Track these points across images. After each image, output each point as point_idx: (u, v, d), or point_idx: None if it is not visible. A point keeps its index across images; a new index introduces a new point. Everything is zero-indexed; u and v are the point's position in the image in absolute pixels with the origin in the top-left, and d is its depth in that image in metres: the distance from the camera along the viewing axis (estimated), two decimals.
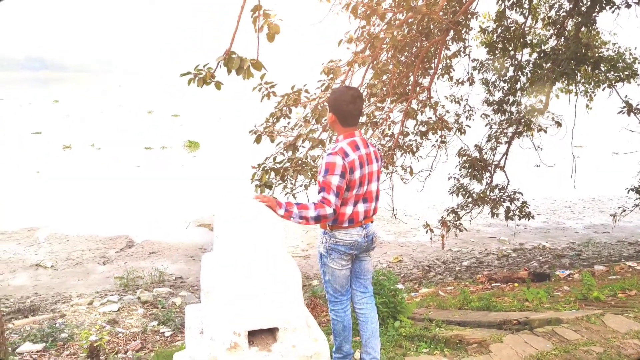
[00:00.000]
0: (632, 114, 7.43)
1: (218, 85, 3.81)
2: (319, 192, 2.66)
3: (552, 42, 8.28)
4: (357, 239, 2.81)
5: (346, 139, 2.75)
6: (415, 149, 6.98)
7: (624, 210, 9.03)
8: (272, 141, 5.17)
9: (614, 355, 3.29)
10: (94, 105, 42.32)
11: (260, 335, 2.26)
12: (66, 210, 13.28)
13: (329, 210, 2.60)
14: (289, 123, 5.34)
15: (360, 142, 2.79)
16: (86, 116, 35.95)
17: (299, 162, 5.01)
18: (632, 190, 8.87)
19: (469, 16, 6.54)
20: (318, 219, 2.62)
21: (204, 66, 3.71)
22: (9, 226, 11.92)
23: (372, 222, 2.90)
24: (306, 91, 5.13)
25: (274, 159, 5.16)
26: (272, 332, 2.28)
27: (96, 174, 18.05)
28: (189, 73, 3.68)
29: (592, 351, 3.34)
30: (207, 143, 25.31)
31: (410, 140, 6.97)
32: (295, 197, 5.39)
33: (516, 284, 7.10)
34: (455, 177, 8.49)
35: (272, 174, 5.04)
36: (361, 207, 2.79)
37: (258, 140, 5.02)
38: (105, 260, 10.04)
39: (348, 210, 2.75)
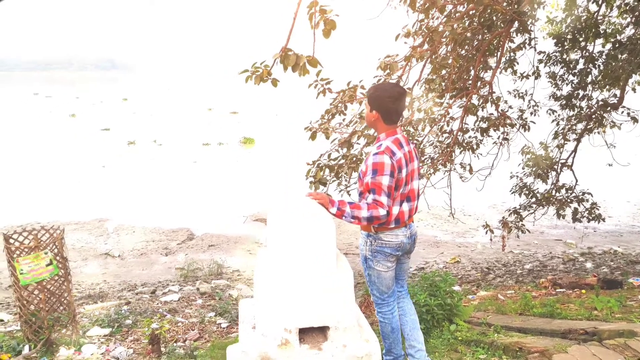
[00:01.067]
0: None
1: (274, 83, 3.84)
2: (369, 194, 2.60)
3: (629, 31, 7.67)
4: (403, 239, 2.77)
5: (389, 137, 2.69)
6: (475, 146, 6.73)
7: None
8: (327, 138, 5.16)
9: None
10: (159, 103, 44.29)
11: (311, 333, 2.26)
12: (132, 203, 14.02)
13: (382, 212, 2.55)
14: (344, 120, 5.30)
15: (402, 139, 2.74)
16: (151, 113, 37.73)
17: (354, 159, 4.96)
18: None
19: (536, 6, 6.19)
20: (370, 220, 2.58)
21: (261, 64, 3.75)
22: (82, 217, 12.73)
23: (413, 221, 2.88)
24: (362, 87, 5.07)
25: (329, 155, 5.15)
26: (323, 330, 2.27)
27: (156, 169, 18.94)
28: (246, 71, 3.75)
29: None
30: (263, 139, 25.82)
31: (470, 137, 6.72)
32: (349, 195, 5.36)
33: (583, 291, 6.67)
34: (517, 176, 8.10)
35: (327, 170, 5.03)
36: (406, 206, 2.75)
37: (313, 137, 5.03)
38: (167, 252, 10.48)
39: (395, 210, 2.70)
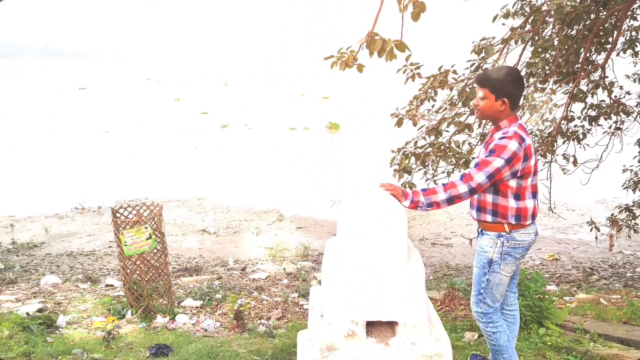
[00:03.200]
0: None
1: (360, 68, 3.78)
2: (472, 167, 2.49)
3: None
4: (533, 237, 2.58)
5: (513, 124, 2.50)
6: (581, 136, 6.14)
7: None
8: (415, 125, 5.00)
9: None
10: (256, 88, 46.05)
11: (379, 327, 2.23)
12: (226, 184, 14.83)
13: (462, 189, 2.38)
14: (433, 106, 5.10)
15: (524, 126, 2.58)
16: (247, 98, 39.41)
17: (442, 147, 4.76)
18: None
19: None
20: (450, 201, 2.43)
21: (347, 49, 3.70)
22: (184, 195, 13.72)
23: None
24: (454, 72, 4.82)
25: (415, 143, 4.99)
26: (391, 325, 2.23)
27: (246, 152, 19.81)
28: (332, 57, 3.72)
29: None
30: (349, 125, 25.84)
31: (575, 126, 6.14)
32: (436, 184, 5.17)
33: None
34: (632, 170, 7.27)
35: (412, 158, 4.88)
36: (537, 199, 2.57)
37: (399, 123, 4.90)
38: (258, 231, 10.96)
39: (529, 204, 2.50)
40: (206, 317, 5.18)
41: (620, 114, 5.77)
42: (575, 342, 3.73)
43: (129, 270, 4.88)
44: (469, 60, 4.82)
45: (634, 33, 6.26)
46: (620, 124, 6.03)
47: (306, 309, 5.95)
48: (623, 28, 5.56)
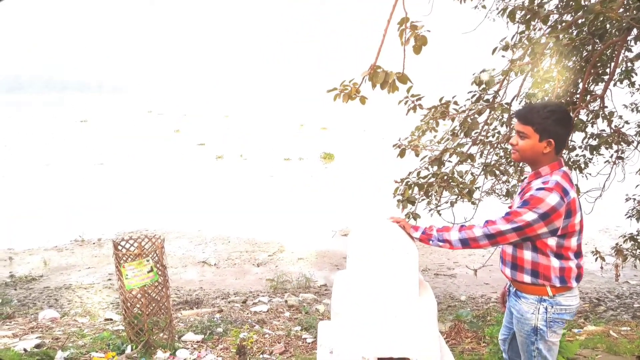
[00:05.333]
0: None
1: (363, 100, 3.82)
2: (501, 217, 2.19)
3: None
4: (579, 300, 2.29)
5: (556, 171, 2.15)
6: (583, 165, 6.16)
7: None
8: (417, 155, 5.02)
9: None
10: (255, 120, 46.54)
11: None
12: (226, 214, 14.78)
13: (478, 232, 2.14)
14: (435, 137, 5.13)
15: (569, 174, 2.22)
16: (246, 129, 39.79)
17: (445, 177, 4.76)
18: None
19: None
20: (465, 243, 2.18)
21: (349, 82, 3.76)
22: (182, 226, 13.65)
23: None
24: (455, 103, 4.88)
25: (418, 173, 5.00)
26: None
27: (238, 182, 19.89)
28: (335, 89, 3.77)
29: None
30: (344, 155, 26.06)
31: (577, 155, 6.17)
32: (440, 214, 5.15)
33: None
34: (635, 199, 7.26)
35: (416, 189, 4.88)
36: (582, 259, 2.23)
37: (402, 154, 4.91)
38: (259, 263, 10.84)
39: (573, 265, 2.17)
40: (207, 352, 5.06)
41: (621, 143, 5.81)
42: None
43: (129, 304, 4.79)
44: (470, 92, 4.88)
45: (629, 64, 6.37)
46: (621, 153, 6.06)
47: (309, 343, 5.82)
48: (619, 59, 5.66)
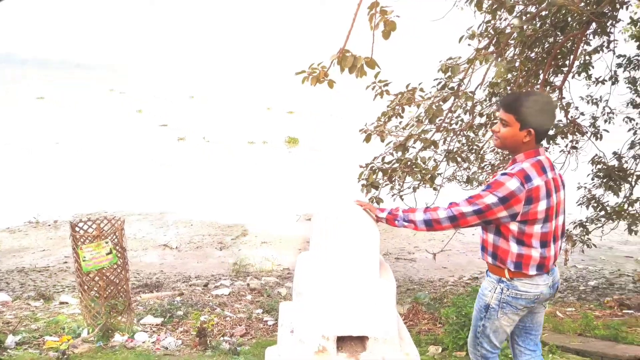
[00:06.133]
0: None
1: (331, 84, 3.80)
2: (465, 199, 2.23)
3: None
4: (543, 289, 2.24)
5: (529, 159, 2.17)
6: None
7: None
8: (382, 141, 5.05)
9: None
10: (223, 100, 45.73)
11: (350, 342, 2.22)
12: (189, 197, 14.55)
13: (441, 214, 2.18)
14: (400, 122, 5.18)
15: (547, 162, 2.22)
16: (210, 110, 39.07)
17: (409, 163, 4.82)
18: None
19: (617, 6, 5.75)
20: (429, 224, 2.21)
21: (318, 65, 3.72)
22: (146, 208, 13.35)
23: (556, 265, 2.35)
24: (421, 90, 4.92)
25: (383, 159, 5.04)
26: (361, 340, 2.23)
27: (200, 165, 19.59)
28: (303, 72, 3.73)
29: None
30: (309, 139, 26.04)
31: None
32: (402, 199, 5.23)
33: None
34: (586, 187, 7.59)
35: (380, 174, 4.92)
36: (552, 248, 2.22)
37: (368, 139, 4.94)
38: (222, 246, 10.76)
39: (535, 253, 2.18)
40: (167, 335, 5.00)
41: (576, 133, 6.03)
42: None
43: (86, 287, 4.66)
44: (436, 79, 4.93)
45: (587, 57, 6.60)
46: (575, 143, 6.30)
47: (270, 325, 5.84)
48: (578, 52, 5.84)
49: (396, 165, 4.92)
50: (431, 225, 2.21)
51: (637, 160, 7.32)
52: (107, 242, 4.61)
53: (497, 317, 2.27)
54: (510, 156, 2.40)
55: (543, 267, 2.19)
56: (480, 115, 5.63)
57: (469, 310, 4.16)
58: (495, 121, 5.88)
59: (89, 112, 34.99)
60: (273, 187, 16.07)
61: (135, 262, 9.24)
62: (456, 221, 2.17)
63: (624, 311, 6.67)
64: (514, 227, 2.16)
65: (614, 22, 5.77)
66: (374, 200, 4.90)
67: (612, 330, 4.64)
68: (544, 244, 2.18)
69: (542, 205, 2.12)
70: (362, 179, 4.94)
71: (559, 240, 2.30)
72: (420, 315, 5.98)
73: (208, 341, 4.67)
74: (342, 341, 2.21)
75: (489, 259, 2.27)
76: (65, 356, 3.99)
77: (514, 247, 2.18)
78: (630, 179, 7.27)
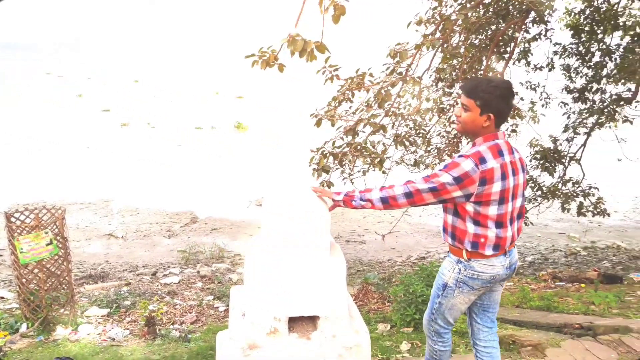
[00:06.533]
0: None
1: (281, 68, 3.76)
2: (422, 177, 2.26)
3: None
4: (500, 270, 2.28)
5: (486, 142, 2.21)
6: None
7: None
8: (333, 125, 5.08)
9: None
10: (169, 85, 44.19)
11: (301, 322, 2.25)
12: (135, 185, 14.05)
13: (397, 190, 2.19)
14: (350, 107, 5.21)
15: (505, 145, 2.24)
16: (156, 95, 37.68)
17: (358, 147, 4.88)
18: None
19: None
20: (385, 202, 2.22)
21: (267, 48, 3.67)
22: (87, 197, 12.77)
23: (514, 247, 2.39)
24: (370, 75, 4.97)
25: (333, 143, 5.07)
26: (312, 320, 2.26)
27: (145, 151, 18.96)
28: (253, 55, 3.67)
29: None
30: (259, 125, 25.73)
31: None
32: (352, 183, 5.30)
33: (583, 285, 6.63)
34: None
35: (331, 158, 4.96)
36: (509, 230, 2.25)
37: (318, 123, 4.94)
38: (170, 234, 10.51)
39: (491, 233, 2.21)
40: (114, 326, 4.85)
41: (516, 117, 6.31)
42: None
43: (24, 280, 4.42)
44: (385, 64, 4.99)
45: (527, 45, 6.90)
46: (515, 127, 6.59)
47: (222, 312, 5.80)
48: (519, 40, 6.09)
49: (346, 149, 4.97)
50: (387, 202, 2.22)
51: (570, 142, 7.78)
52: (46, 233, 4.37)
53: (454, 295, 2.34)
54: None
55: (499, 248, 2.24)
56: (427, 100, 5.77)
57: (416, 288, 4.32)
58: (442, 105, 6.05)
59: (24, 96, 32.80)
60: (222, 173, 15.81)
61: (79, 253, 8.87)
62: (412, 197, 2.20)
63: (556, 283, 7.14)
64: (469, 207, 2.20)
65: (550, 11, 6.05)
66: (325, 184, 4.94)
67: (546, 301, 4.97)
68: (500, 225, 2.22)
69: (496, 187, 2.16)
70: (313, 163, 4.96)
71: (516, 222, 2.32)
72: (369, 295, 6.14)
73: (157, 330, 4.58)
74: (294, 322, 2.23)
75: (449, 240, 2.32)
76: (2, 353, 3.79)
77: (470, 228, 2.23)
78: (564, 161, 7.73)
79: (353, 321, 2.34)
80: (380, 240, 9.76)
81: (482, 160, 2.13)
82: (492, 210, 2.19)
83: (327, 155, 4.98)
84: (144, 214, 11.84)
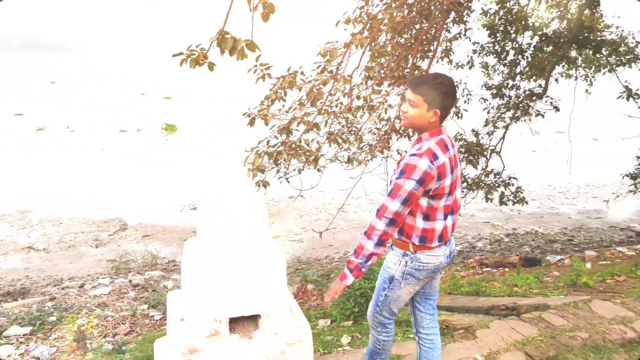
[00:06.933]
0: (631, 99, 7.37)
1: (211, 67, 3.66)
2: (385, 195, 2.25)
3: (555, 25, 8.14)
4: (442, 260, 2.37)
5: (433, 137, 2.25)
6: (411, 133, 6.88)
7: (618, 196, 9.04)
8: (266, 124, 5.05)
9: (598, 340, 3.29)
10: (88, 86, 41.78)
11: (242, 322, 2.23)
12: (56, 193, 13.16)
13: (380, 226, 2.18)
14: (283, 106, 5.21)
15: (448, 140, 2.31)
16: (77, 96, 35.53)
17: (293, 145, 4.89)
18: (627, 176, 8.86)
19: None
20: (381, 242, 2.21)
21: (196, 46, 3.57)
22: (1, 208, 11.78)
23: (452, 235, 2.47)
24: (302, 73, 4.98)
25: (267, 142, 5.04)
26: (254, 319, 2.24)
27: (66, 157, 17.87)
28: (181, 54, 3.55)
29: (577, 337, 3.35)
30: (189, 126, 25.04)
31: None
32: (288, 182, 5.30)
33: (507, 269, 7.12)
34: None
35: (266, 157, 4.93)
36: (450, 220, 2.34)
37: (252, 123, 4.89)
38: (98, 243, 9.96)
39: (438, 225, 2.29)
40: (38, 344, 4.53)
41: None
42: (407, 312, 4.19)
43: None
44: (316, 62, 5.03)
45: (448, 44, 7.25)
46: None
47: (157, 320, 5.60)
48: (441, 39, 6.39)
49: (281, 148, 4.96)
50: (382, 241, 2.22)
51: (491, 136, 8.29)
52: None
53: (400, 287, 2.40)
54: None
55: (442, 239, 2.33)
56: (358, 98, 5.89)
57: (354, 283, 4.41)
58: (372, 103, 6.21)
59: None
60: (152, 177, 15.19)
61: None
62: (395, 221, 2.21)
63: (483, 269, 7.60)
64: (423, 202, 2.25)
65: (469, 12, 6.40)
66: (261, 184, 4.90)
67: (474, 287, 5.27)
68: (445, 216, 2.31)
69: (447, 181, 2.23)
70: (248, 163, 4.90)
71: (456, 212, 2.42)
72: (309, 292, 6.19)
73: (88, 344, 4.33)
74: (235, 322, 2.20)
75: (395, 235, 2.34)
76: None
77: (419, 223, 2.28)
78: (485, 153, 8.22)
79: (294, 317, 2.35)
80: (318, 238, 9.85)
81: (435, 156, 2.18)
82: (442, 202, 2.26)
83: (262, 154, 4.94)
84: (68, 224, 11.12)
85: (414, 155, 2.18)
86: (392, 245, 2.44)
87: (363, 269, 2.24)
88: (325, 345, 3.68)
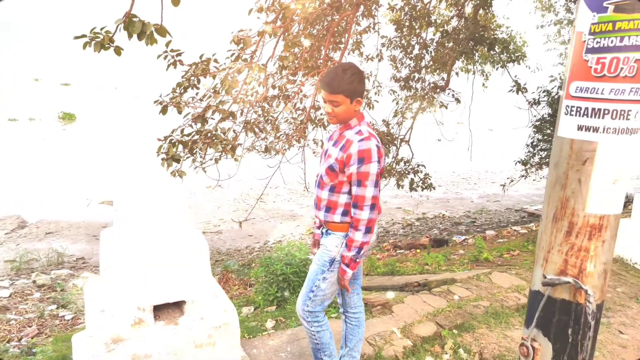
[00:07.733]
0: (520, 92, 8.17)
1: (118, 51, 3.54)
2: (356, 187, 2.26)
3: (454, 23, 8.75)
4: (373, 239, 2.47)
5: (362, 122, 2.36)
6: (326, 123, 7.09)
7: (512, 181, 10.01)
8: (180, 112, 4.95)
9: (498, 307, 3.72)
10: None
11: (167, 309, 2.22)
12: None
13: (365, 215, 2.25)
14: (197, 94, 5.13)
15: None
16: None
17: (209, 134, 4.86)
18: (519, 162, 9.84)
19: None
20: (369, 230, 2.30)
21: (101, 29, 3.42)
22: None
23: None
24: (215, 61, 4.95)
25: (182, 131, 4.95)
26: (179, 305, 2.25)
27: None
28: (84, 36, 3.38)
29: (480, 305, 3.75)
30: (88, 115, 23.47)
31: (321, 114, 7.05)
32: (205, 171, 5.25)
33: (418, 250, 7.63)
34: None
35: (180, 147, 4.84)
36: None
37: (164, 111, 4.77)
38: None
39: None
40: None
41: None
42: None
43: None
44: (229, 50, 5.01)
45: (359, 36, 7.53)
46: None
47: (69, 320, 5.32)
48: (351, 31, 6.62)
49: (196, 137, 4.89)
50: (369, 228, 2.29)
51: (400, 126, 8.76)
52: None
53: (338, 269, 2.44)
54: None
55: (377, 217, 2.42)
56: (273, 87, 5.96)
57: (277, 268, 4.51)
58: (287, 92, 6.30)
59: None
60: (50, 170, 14.08)
61: None
62: (375, 205, 2.28)
63: (397, 251, 8.06)
64: None
65: (377, 6, 6.70)
66: (177, 174, 4.81)
67: (390, 267, 5.62)
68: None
69: (383, 162, 2.35)
70: (162, 153, 4.78)
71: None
72: (230, 282, 6.20)
73: None
74: (160, 310, 2.19)
75: (337, 218, 2.39)
76: None
77: None
78: (396, 142, 8.67)
79: (219, 301, 2.39)
80: (237, 229, 9.82)
81: (375, 136, 2.31)
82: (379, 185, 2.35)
83: (176, 143, 4.84)
84: None
85: (362, 140, 2.25)
86: (327, 230, 2.49)
87: (358, 260, 2.33)
88: (250, 331, 3.75)
